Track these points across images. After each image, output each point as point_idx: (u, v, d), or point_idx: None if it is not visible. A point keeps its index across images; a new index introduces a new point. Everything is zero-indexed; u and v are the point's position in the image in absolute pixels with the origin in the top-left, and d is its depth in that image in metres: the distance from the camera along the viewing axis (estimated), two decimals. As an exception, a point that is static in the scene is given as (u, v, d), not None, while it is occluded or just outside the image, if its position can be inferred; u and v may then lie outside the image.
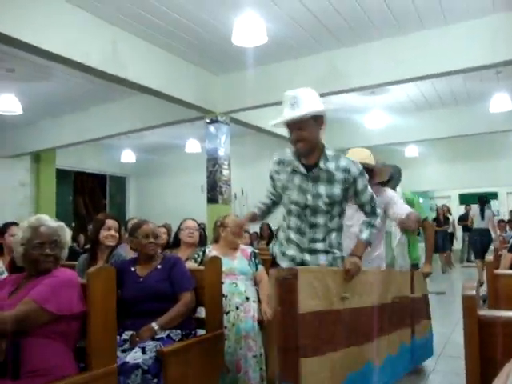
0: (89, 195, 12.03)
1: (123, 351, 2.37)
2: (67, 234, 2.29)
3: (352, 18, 4.83)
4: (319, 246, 2.42)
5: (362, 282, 2.36)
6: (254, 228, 7.96)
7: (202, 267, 3.00)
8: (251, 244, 5.91)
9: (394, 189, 3.60)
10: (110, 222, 3.23)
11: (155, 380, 2.29)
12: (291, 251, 2.48)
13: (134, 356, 2.29)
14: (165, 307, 2.59)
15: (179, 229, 3.91)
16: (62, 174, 10.33)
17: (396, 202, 3.15)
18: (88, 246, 3.96)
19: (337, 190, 2.37)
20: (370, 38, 5.26)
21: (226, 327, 3.01)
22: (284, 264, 2.47)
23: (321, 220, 2.40)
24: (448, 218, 11.89)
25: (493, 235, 9.27)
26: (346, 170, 2.37)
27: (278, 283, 2.00)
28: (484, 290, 2.96)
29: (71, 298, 2.06)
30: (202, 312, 2.85)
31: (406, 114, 8.59)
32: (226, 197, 6.50)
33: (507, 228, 10.38)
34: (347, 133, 8.96)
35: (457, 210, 13.09)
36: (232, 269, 3.29)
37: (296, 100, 2.30)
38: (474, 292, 1.20)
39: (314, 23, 4.91)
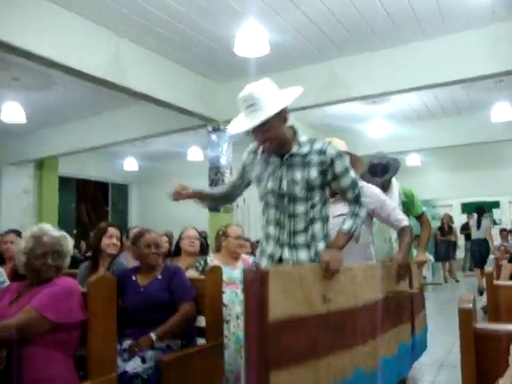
0: (91, 202, 12.05)
1: (123, 360, 2.37)
2: (69, 243, 2.31)
3: (354, 28, 4.87)
4: (300, 239, 2.18)
5: (348, 278, 2.10)
6: (256, 237, 7.95)
7: (202, 276, 3.01)
8: (252, 253, 5.91)
9: (390, 180, 3.51)
10: (112, 230, 3.24)
11: (155, 389, 2.29)
12: (270, 247, 2.24)
13: (134, 365, 2.30)
14: (165, 317, 2.59)
15: (180, 237, 3.91)
16: (64, 182, 10.37)
17: (388, 204, 2.81)
18: (89, 254, 3.98)
19: (313, 173, 2.15)
20: (372, 47, 5.30)
21: (226, 336, 3.01)
22: (263, 263, 2.25)
23: (301, 208, 2.18)
24: (452, 228, 11.84)
25: (490, 245, 9.29)
26: (322, 152, 2.16)
27: (245, 287, 1.77)
28: (485, 300, 2.94)
29: (71, 306, 2.07)
30: (202, 321, 2.85)
31: (408, 123, 8.61)
32: (228, 205, 6.51)
33: (509, 237, 10.35)
34: (349, 141, 8.76)
35: (459, 219, 13.06)
36: (233, 278, 3.30)
37: (252, 101, 2.04)
38: (470, 305, 1.20)
39: (317, 33, 4.95)
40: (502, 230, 10.67)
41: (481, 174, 10.86)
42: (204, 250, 4.18)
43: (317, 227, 2.20)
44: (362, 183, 2.76)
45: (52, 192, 9.55)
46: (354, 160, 2.76)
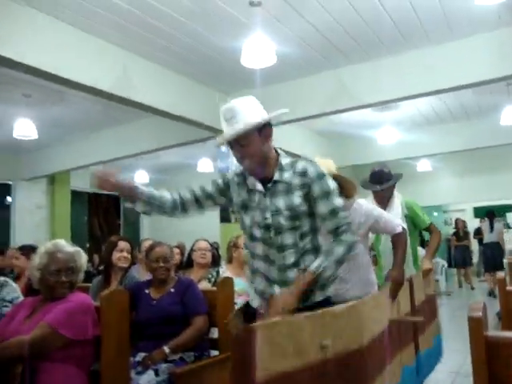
0: (103, 216, 12.12)
1: (137, 373, 2.39)
2: (83, 259, 2.34)
3: (360, 37, 4.88)
4: (291, 274, 1.96)
5: (346, 319, 1.82)
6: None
7: (214, 288, 3.02)
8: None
9: (392, 191, 3.43)
10: (123, 244, 3.28)
11: (169, 402, 2.30)
12: (261, 284, 2.05)
13: (148, 378, 2.31)
14: (178, 330, 2.61)
15: (192, 249, 3.94)
16: (76, 195, 10.45)
17: (381, 216, 2.69)
18: (102, 267, 4.02)
19: (297, 198, 1.97)
20: (378, 55, 5.31)
21: (239, 347, 3.01)
22: (255, 302, 2.08)
23: (288, 240, 1.97)
24: (467, 233, 11.59)
25: (503, 248, 9.21)
26: (303, 173, 1.98)
27: (232, 342, 1.58)
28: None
29: (85, 322, 2.09)
30: (214, 332, 2.86)
31: (418, 129, 8.58)
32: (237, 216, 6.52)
33: (524, 241, 10.26)
34: (359, 149, 9.00)
35: (472, 224, 12.95)
36: (245, 289, 3.30)
37: (233, 114, 1.96)
38: (480, 313, 1.19)
39: (323, 42, 4.97)
40: (516, 234, 10.58)
41: (493, 177, 10.76)
42: (216, 261, 4.21)
43: (309, 260, 1.98)
44: (358, 202, 2.67)
45: (64, 206, 9.63)
46: (344, 182, 2.50)
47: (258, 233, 2.04)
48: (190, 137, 6.98)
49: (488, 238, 9.69)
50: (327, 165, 2.44)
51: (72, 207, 9.85)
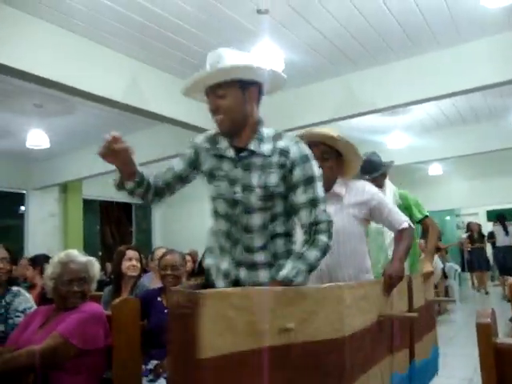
0: (115, 224, 12.18)
1: (149, 381, 2.40)
2: (96, 269, 2.36)
3: (368, 42, 4.89)
4: (259, 258, 1.73)
5: (319, 302, 1.59)
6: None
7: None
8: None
9: (383, 180, 3.28)
10: (131, 253, 3.31)
11: (181, 410, 2.30)
12: (224, 264, 1.79)
13: (160, 386, 2.32)
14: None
15: (203, 256, 3.95)
16: (88, 204, 10.53)
17: (386, 204, 2.36)
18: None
19: (273, 178, 1.70)
20: (386, 60, 5.31)
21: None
22: (220, 283, 1.78)
23: (257, 220, 1.72)
24: (483, 236, 11.30)
25: None
26: (284, 152, 1.71)
27: (171, 315, 1.36)
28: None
29: (97, 332, 2.11)
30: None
31: (428, 133, 8.54)
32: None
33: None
34: None
35: (485, 227, 12.82)
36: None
37: (218, 59, 1.70)
38: (488, 319, 1.19)
39: (331, 49, 4.98)
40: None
41: (506, 180, 10.66)
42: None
43: (279, 244, 1.76)
44: (359, 182, 2.39)
45: (77, 215, 9.71)
46: (349, 155, 2.25)
47: (221, 207, 1.79)
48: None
49: (502, 241, 9.60)
50: (321, 130, 2.24)
51: (84, 216, 9.92)
